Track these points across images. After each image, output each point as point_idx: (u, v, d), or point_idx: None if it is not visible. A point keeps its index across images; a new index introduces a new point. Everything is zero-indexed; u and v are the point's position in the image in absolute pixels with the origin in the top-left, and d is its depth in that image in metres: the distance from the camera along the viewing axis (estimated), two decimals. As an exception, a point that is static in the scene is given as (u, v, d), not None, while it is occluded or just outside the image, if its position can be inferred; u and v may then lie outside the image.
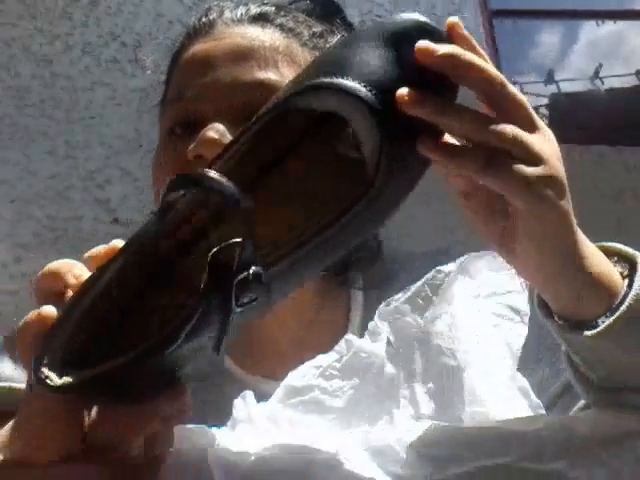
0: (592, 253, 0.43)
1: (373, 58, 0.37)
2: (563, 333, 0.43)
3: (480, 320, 0.50)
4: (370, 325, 0.49)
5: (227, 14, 0.59)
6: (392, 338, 0.49)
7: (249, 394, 0.45)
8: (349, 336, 0.49)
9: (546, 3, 3.09)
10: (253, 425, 0.43)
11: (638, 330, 0.42)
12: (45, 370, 0.34)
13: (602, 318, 0.41)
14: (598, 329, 0.41)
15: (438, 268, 0.51)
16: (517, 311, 0.50)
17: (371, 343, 0.48)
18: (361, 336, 0.50)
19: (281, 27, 0.57)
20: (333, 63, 0.37)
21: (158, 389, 0.35)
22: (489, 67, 0.39)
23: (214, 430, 0.42)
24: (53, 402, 0.35)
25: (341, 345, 0.48)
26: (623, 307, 0.41)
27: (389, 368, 0.48)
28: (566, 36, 3.37)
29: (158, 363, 0.33)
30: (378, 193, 0.37)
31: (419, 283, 0.51)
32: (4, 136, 1.87)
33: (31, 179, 1.84)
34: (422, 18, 0.39)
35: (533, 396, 0.49)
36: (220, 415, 0.45)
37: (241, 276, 0.33)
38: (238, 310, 0.33)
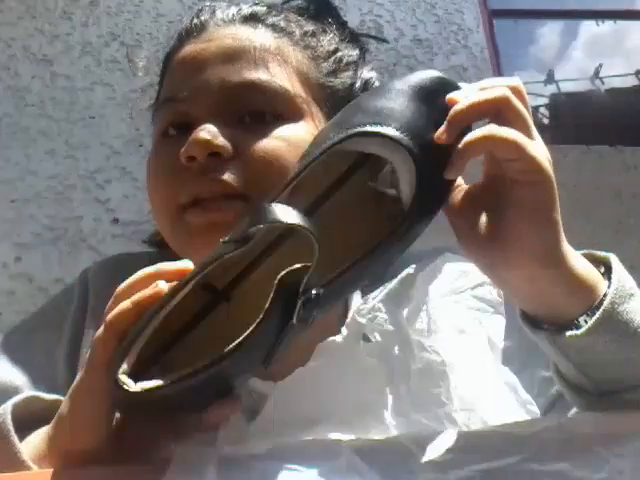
0: (574, 253, 0.44)
1: (407, 109, 0.44)
2: (553, 339, 0.44)
3: (457, 315, 0.50)
4: (347, 322, 0.49)
5: (219, 14, 0.59)
6: (370, 335, 0.49)
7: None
8: (328, 340, 0.49)
9: (546, 3, 3.08)
10: (250, 428, 0.43)
11: (622, 323, 0.43)
12: (123, 377, 0.37)
13: (587, 316, 0.42)
14: (589, 325, 0.42)
15: (412, 266, 0.52)
16: (490, 302, 0.51)
17: (346, 340, 0.48)
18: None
19: (272, 27, 0.57)
20: (374, 113, 0.44)
21: (215, 398, 0.39)
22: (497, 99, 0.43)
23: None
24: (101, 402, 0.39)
25: (319, 349, 0.48)
26: (606, 302, 0.42)
27: (368, 364, 0.48)
28: (566, 35, 3.37)
29: (220, 374, 0.37)
30: (410, 227, 0.43)
31: (395, 281, 0.51)
32: (4, 136, 1.87)
33: (31, 179, 1.84)
34: (441, 74, 0.47)
35: (521, 391, 0.49)
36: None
37: (305, 297, 0.38)
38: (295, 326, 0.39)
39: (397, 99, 0.44)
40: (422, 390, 0.47)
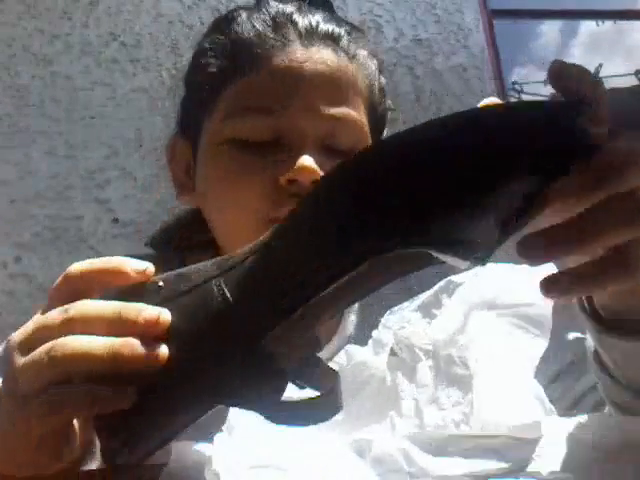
0: None
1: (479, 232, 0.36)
2: (599, 334, 0.43)
3: (495, 330, 0.48)
4: (374, 334, 0.49)
5: (300, 25, 0.58)
6: (397, 347, 0.48)
7: None
8: (350, 347, 0.48)
9: (546, 3, 3.08)
10: (249, 431, 0.43)
11: None
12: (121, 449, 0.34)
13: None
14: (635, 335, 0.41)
15: (450, 278, 0.50)
16: (536, 324, 0.48)
17: (373, 354, 0.47)
18: (356, 337, 0.49)
19: (346, 52, 0.58)
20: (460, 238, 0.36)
21: None
22: None
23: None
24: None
25: (340, 356, 0.47)
26: None
27: (391, 380, 0.46)
28: (566, 35, 3.37)
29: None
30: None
31: (430, 292, 0.49)
32: (4, 136, 1.87)
33: (31, 179, 1.84)
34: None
35: (548, 405, 0.47)
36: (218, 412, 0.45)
37: None
38: None
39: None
40: (447, 404, 0.45)
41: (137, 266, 0.37)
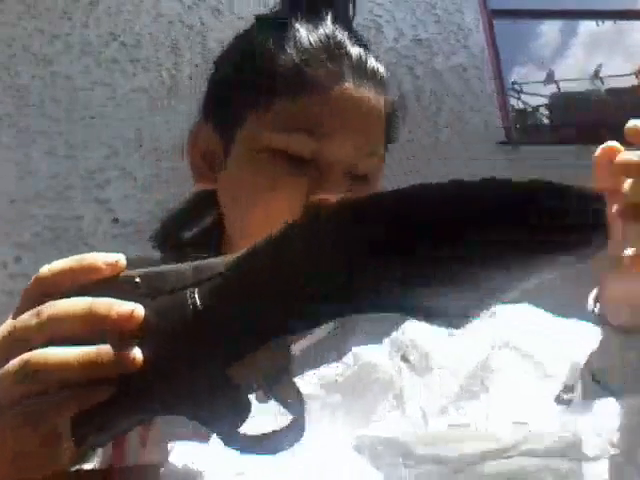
0: None
1: None
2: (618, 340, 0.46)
3: (518, 368, 0.48)
4: (393, 335, 0.49)
5: (354, 55, 0.63)
6: (410, 353, 0.48)
7: None
8: (358, 348, 0.48)
9: (546, 3, 3.09)
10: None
11: None
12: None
13: None
14: None
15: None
16: (557, 364, 0.48)
17: (385, 355, 0.47)
18: (371, 332, 0.49)
19: (385, 91, 0.64)
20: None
21: None
22: None
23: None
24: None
25: (348, 357, 0.47)
26: None
27: (398, 384, 0.46)
28: (566, 35, 3.37)
29: None
30: None
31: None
32: (4, 136, 1.87)
33: (31, 179, 1.84)
34: None
35: (569, 415, 0.47)
36: None
37: None
38: None
39: None
40: (454, 409, 0.45)
41: (108, 259, 0.37)
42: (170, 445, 0.40)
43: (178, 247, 0.65)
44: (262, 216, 0.58)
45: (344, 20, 0.68)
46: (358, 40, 0.66)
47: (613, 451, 0.41)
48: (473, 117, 2.34)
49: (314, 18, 0.65)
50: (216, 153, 0.64)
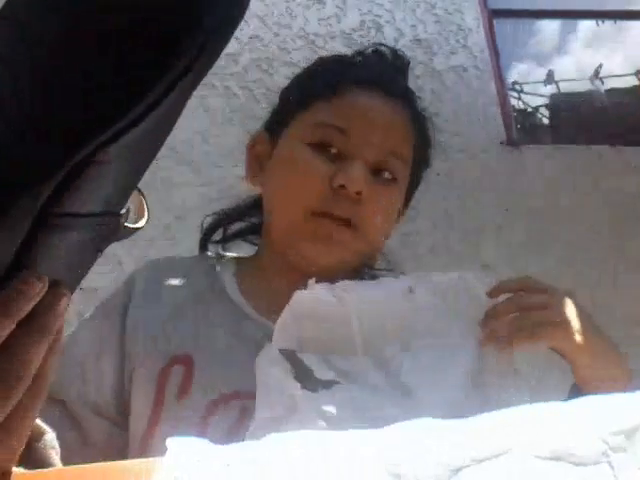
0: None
1: None
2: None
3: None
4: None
5: (386, 69, 0.76)
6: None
7: None
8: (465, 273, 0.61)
9: (546, 3, 3.09)
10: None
11: None
12: None
13: None
14: None
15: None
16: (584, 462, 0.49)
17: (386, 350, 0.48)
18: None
19: (412, 109, 0.74)
20: None
21: None
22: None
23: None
24: None
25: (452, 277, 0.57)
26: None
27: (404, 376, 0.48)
28: (566, 35, 3.38)
29: None
30: None
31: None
32: (4, 136, 1.87)
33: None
34: None
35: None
36: (239, 342, 0.63)
37: None
38: None
39: None
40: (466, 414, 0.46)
41: None
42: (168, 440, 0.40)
43: (223, 240, 0.78)
44: (289, 196, 0.69)
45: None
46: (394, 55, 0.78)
47: None
48: (473, 117, 2.34)
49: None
50: (266, 153, 0.74)
